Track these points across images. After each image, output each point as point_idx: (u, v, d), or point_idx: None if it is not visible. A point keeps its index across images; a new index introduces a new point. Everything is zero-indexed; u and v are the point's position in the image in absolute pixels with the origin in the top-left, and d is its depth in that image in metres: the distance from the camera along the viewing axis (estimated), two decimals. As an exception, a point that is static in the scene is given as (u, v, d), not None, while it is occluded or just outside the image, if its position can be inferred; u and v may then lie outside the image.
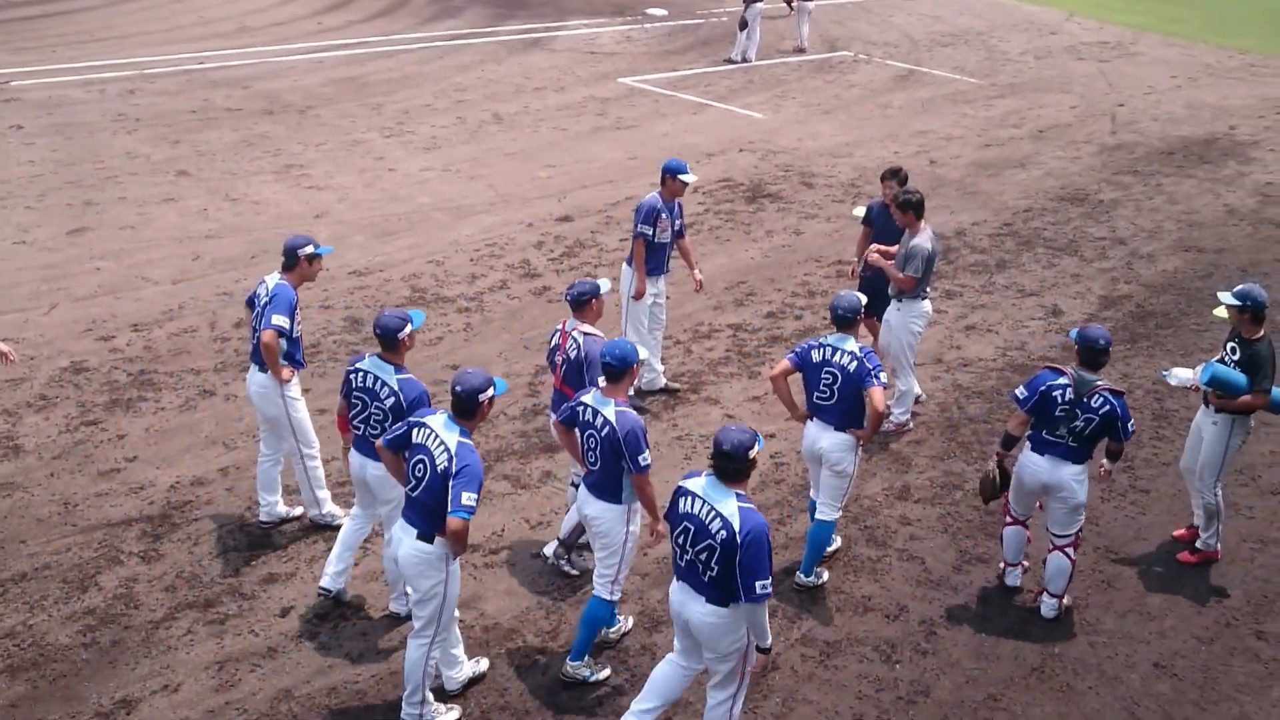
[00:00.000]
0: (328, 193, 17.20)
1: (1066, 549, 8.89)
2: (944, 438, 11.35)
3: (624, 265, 11.81)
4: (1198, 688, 8.39)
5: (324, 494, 9.68)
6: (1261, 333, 9.22)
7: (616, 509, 7.93)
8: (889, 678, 8.28)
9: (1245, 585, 9.49)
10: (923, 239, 10.81)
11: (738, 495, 6.77)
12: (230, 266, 14.52)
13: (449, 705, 7.86)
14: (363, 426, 8.34)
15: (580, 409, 7.97)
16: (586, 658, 8.18)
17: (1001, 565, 9.42)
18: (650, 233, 11.35)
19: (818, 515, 9.11)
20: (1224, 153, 21.07)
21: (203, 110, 21.02)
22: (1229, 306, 9.22)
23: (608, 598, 8.07)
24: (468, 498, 7.01)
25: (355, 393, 8.34)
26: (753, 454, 6.81)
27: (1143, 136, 21.95)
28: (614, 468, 7.81)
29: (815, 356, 8.80)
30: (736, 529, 6.64)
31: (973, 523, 10.10)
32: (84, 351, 12.35)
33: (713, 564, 6.72)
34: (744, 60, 26.39)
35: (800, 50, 27.86)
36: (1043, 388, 8.64)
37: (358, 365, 8.36)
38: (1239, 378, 9.09)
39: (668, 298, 11.96)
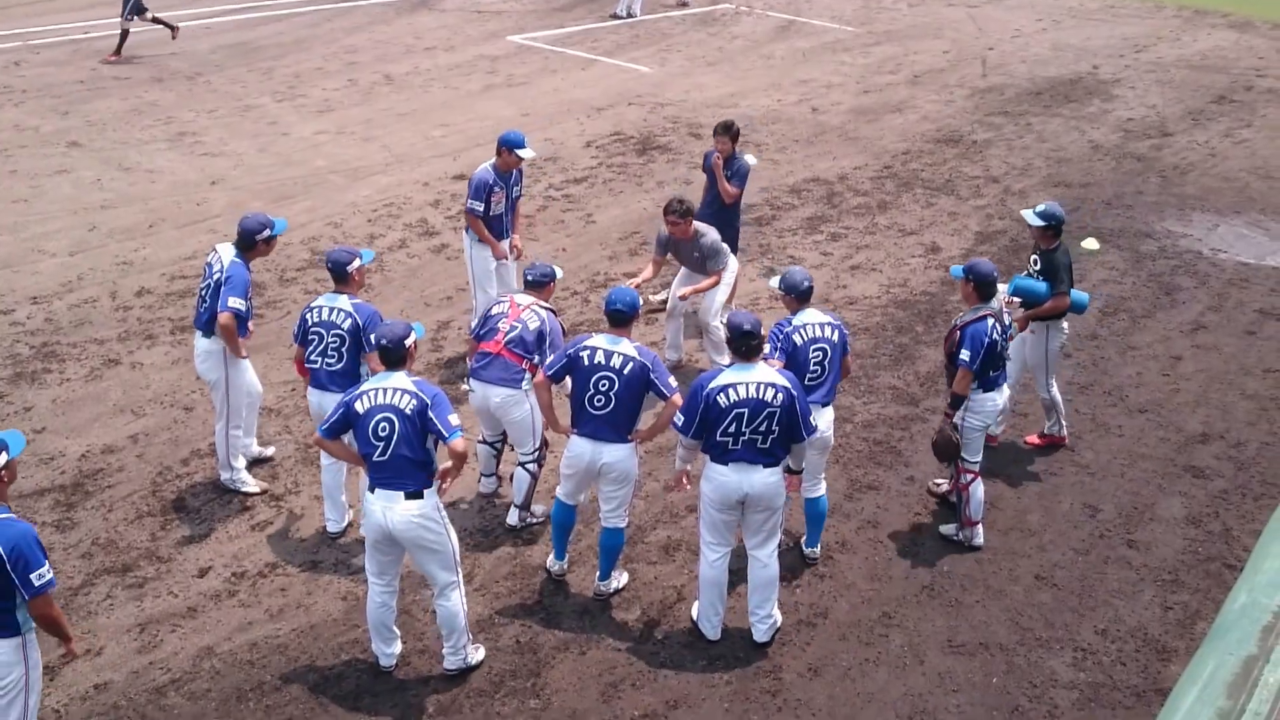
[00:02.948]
0: (222, 159, 17.07)
1: None
2: (833, 374, 11.78)
3: (464, 233, 11.76)
4: (1076, 595, 8.86)
5: (239, 462, 9.76)
6: (1058, 243, 10.14)
7: (629, 447, 8.33)
8: (790, 602, 8.60)
9: (1116, 499, 10.01)
10: (710, 236, 11.05)
11: (764, 361, 7.94)
12: (128, 236, 14.42)
13: (475, 644, 8.04)
14: (319, 360, 8.76)
15: (586, 354, 8.20)
16: (612, 573, 8.70)
17: (961, 531, 9.39)
18: (480, 209, 11.27)
19: (814, 493, 8.98)
20: (1088, 91, 21.70)
21: (91, 80, 20.60)
22: (1033, 226, 10.17)
23: (623, 525, 8.56)
24: (454, 418, 7.39)
25: (312, 328, 8.78)
26: (763, 330, 7.93)
27: (1012, 78, 22.50)
28: (632, 406, 8.22)
29: (799, 339, 8.59)
30: (789, 386, 7.76)
31: (862, 453, 10.55)
32: (-18, 326, 12.27)
33: (773, 428, 7.73)
34: (629, 15, 26.45)
35: (684, 4, 27.95)
36: (985, 341, 8.83)
37: (312, 305, 8.89)
38: (1040, 285, 9.92)
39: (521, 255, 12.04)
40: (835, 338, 8.69)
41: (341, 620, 8.43)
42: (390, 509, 7.42)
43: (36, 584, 6.24)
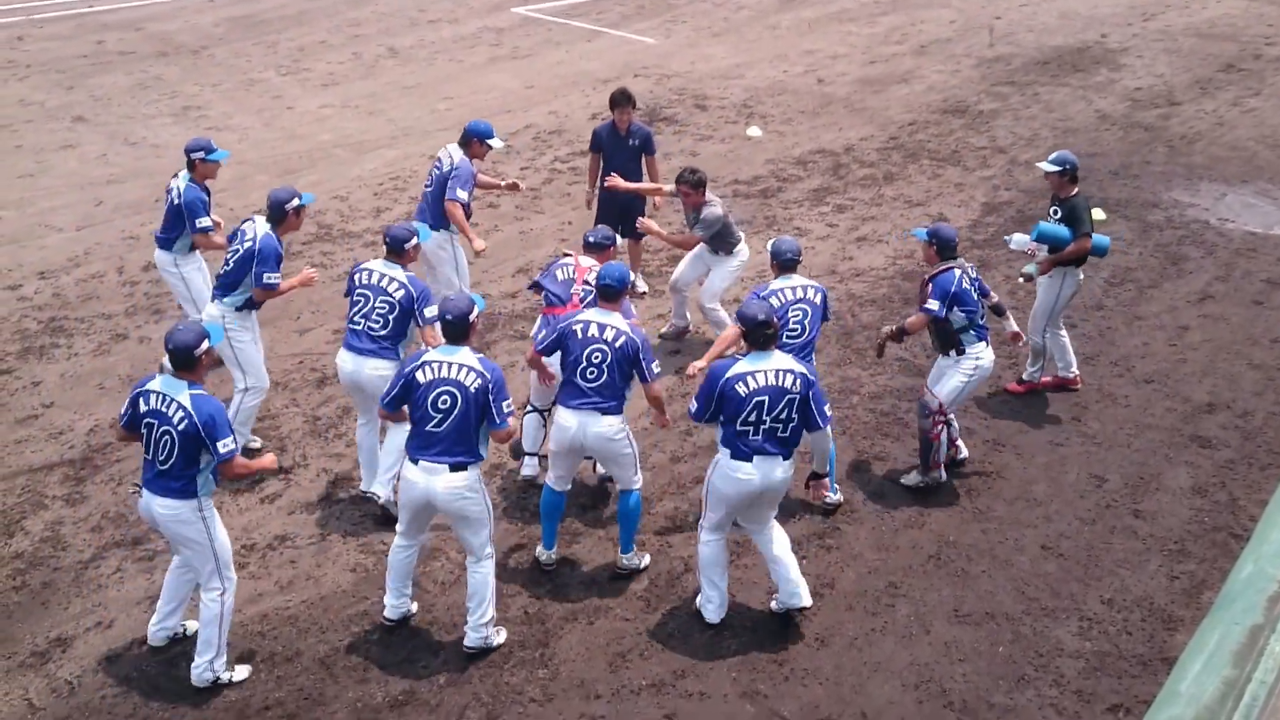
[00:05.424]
0: (227, 133, 17.03)
1: None
2: (839, 345, 11.77)
3: (418, 222, 10.89)
4: (1082, 565, 8.89)
5: (245, 431, 9.76)
6: (1075, 190, 10.48)
7: (618, 420, 8.35)
8: (796, 572, 8.71)
9: (1122, 469, 10.03)
10: (713, 208, 11.09)
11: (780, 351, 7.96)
12: (134, 211, 14.43)
13: (497, 627, 8.05)
14: (362, 321, 8.86)
15: (579, 327, 8.27)
16: (633, 548, 8.75)
17: (928, 474, 9.61)
18: (467, 199, 11.17)
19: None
20: (1095, 61, 21.56)
21: (95, 54, 20.56)
22: (1049, 173, 10.47)
23: (637, 488, 8.61)
24: (507, 404, 7.66)
25: (360, 289, 8.93)
26: (777, 319, 8.02)
27: (1019, 48, 22.34)
28: (622, 382, 8.27)
29: (776, 301, 8.86)
30: (806, 372, 7.84)
31: (869, 424, 10.58)
32: (-10, 301, 12.31)
33: (792, 415, 7.75)
34: (633, -15, 26.40)
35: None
36: (953, 290, 9.14)
37: (362, 266, 9.08)
38: (1062, 230, 10.27)
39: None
40: (819, 299, 9.04)
41: (351, 592, 8.50)
42: (433, 480, 7.57)
43: (222, 451, 7.21)
